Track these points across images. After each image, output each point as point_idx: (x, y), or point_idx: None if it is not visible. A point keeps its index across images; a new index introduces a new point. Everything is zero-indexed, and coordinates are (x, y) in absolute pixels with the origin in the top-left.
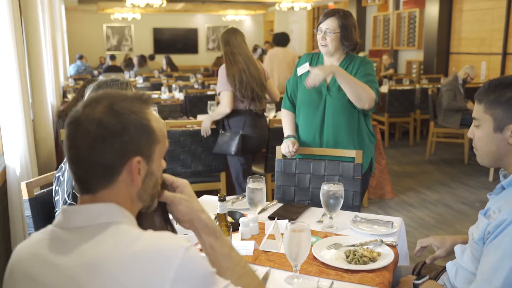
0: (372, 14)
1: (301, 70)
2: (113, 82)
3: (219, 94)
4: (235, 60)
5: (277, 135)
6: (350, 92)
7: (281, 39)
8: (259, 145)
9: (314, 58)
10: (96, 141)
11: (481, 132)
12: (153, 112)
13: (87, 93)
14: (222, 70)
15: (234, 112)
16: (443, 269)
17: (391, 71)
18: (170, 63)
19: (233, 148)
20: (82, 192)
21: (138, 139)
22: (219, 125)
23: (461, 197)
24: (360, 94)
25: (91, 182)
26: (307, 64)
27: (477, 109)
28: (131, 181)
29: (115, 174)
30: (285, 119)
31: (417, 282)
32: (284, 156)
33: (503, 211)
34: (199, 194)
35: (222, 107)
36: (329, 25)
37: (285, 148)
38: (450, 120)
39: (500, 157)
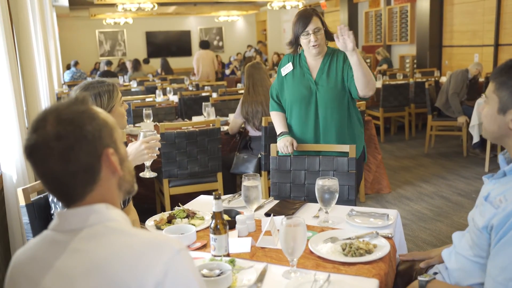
0: (364, 10)
1: (285, 71)
2: (99, 83)
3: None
4: (255, 91)
5: (272, 133)
6: (361, 74)
7: (205, 44)
8: None
9: (296, 57)
10: (65, 154)
11: (488, 110)
12: (95, 106)
13: (73, 94)
14: (241, 100)
15: (253, 138)
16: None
17: (384, 66)
18: (165, 66)
19: (251, 170)
20: (70, 204)
21: (99, 133)
22: (241, 145)
23: (457, 189)
24: (370, 77)
25: (76, 191)
26: (290, 64)
27: (489, 87)
28: (112, 173)
29: (96, 172)
30: (275, 119)
31: (424, 279)
32: (278, 153)
33: (510, 200)
34: (196, 194)
35: (229, 128)
36: (315, 24)
37: (284, 148)
38: (450, 109)
39: (500, 137)
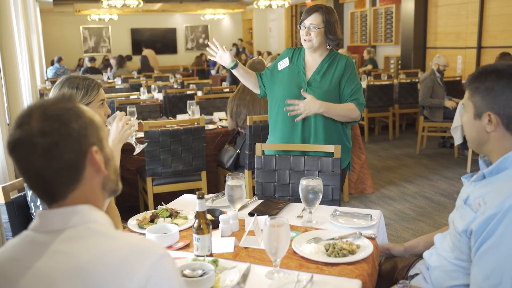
0: (349, 10)
1: (281, 65)
2: (82, 78)
3: None
4: (244, 90)
5: (257, 131)
6: (339, 119)
7: (149, 45)
8: None
9: (296, 52)
10: (49, 151)
11: (466, 118)
12: (81, 104)
13: (53, 92)
14: (230, 96)
15: (241, 133)
16: (417, 259)
17: (369, 66)
18: (144, 63)
19: (225, 161)
20: (52, 202)
21: (85, 131)
22: (232, 140)
23: (440, 189)
24: (348, 117)
25: (59, 189)
26: (286, 59)
27: (465, 95)
28: (96, 172)
29: (80, 171)
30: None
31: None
32: (263, 152)
33: (489, 204)
34: (180, 193)
35: (227, 125)
36: (313, 20)
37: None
38: (435, 114)
39: (481, 144)
